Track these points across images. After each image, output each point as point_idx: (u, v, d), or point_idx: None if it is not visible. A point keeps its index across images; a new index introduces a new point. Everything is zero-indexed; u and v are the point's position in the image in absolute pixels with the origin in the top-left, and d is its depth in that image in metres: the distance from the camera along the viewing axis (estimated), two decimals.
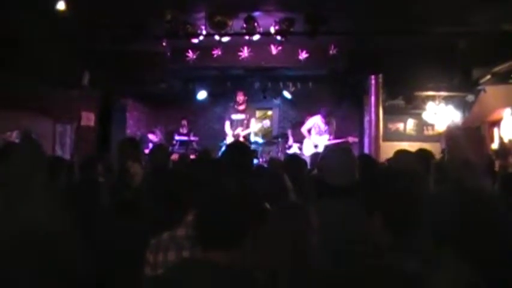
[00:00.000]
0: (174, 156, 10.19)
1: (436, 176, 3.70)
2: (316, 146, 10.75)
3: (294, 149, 11.55)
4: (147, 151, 10.84)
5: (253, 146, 11.25)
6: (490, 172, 6.15)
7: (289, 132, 12.09)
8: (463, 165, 3.50)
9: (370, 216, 2.11)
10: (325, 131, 10.86)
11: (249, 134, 11.24)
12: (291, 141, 11.79)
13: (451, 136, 11.67)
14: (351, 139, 10.94)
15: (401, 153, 4.41)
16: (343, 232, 2.44)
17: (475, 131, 11.55)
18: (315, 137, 10.87)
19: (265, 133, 13.11)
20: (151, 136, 11.84)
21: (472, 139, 11.10)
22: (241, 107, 11.20)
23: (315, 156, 10.08)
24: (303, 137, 11.24)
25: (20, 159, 2.73)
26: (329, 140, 10.78)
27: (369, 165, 3.89)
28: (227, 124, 11.26)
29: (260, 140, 12.01)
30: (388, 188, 2.15)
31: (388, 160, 4.96)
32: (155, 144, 9.81)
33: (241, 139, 10.59)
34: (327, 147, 10.01)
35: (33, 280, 2.28)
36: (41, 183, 2.67)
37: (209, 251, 1.87)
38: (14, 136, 8.48)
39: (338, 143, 10.48)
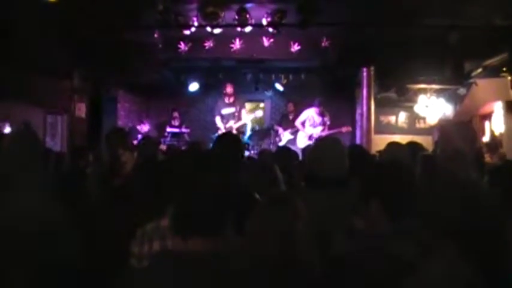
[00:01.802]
0: (163, 147, 10.22)
1: (423, 168, 3.71)
2: (310, 137, 10.76)
3: (286, 136, 11.53)
4: (136, 142, 10.87)
5: (246, 139, 11.25)
6: (479, 165, 6.17)
7: (277, 127, 12.04)
8: (454, 156, 3.50)
9: (366, 205, 2.12)
10: (319, 123, 10.87)
11: (242, 126, 11.21)
12: (280, 130, 11.77)
13: (442, 129, 11.69)
14: (344, 129, 10.96)
15: (392, 145, 4.43)
16: (331, 223, 2.44)
17: (466, 125, 11.58)
18: (309, 129, 10.88)
19: (259, 124, 13.07)
20: (140, 127, 11.78)
21: (464, 132, 11.12)
22: (231, 99, 11.15)
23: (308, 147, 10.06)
24: (293, 127, 11.28)
25: (15, 148, 2.72)
26: (323, 131, 10.79)
27: (361, 156, 3.89)
28: (218, 119, 11.22)
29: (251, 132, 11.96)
30: (386, 173, 2.17)
31: (379, 152, 4.96)
32: (144, 136, 9.80)
33: (234, 132, 10.55)
34: (318, 138, 10.05)
35: (29, 269, 2.28)
36: (36, 173, 2.67)
37: (188, 240, 1.88)
38: (4, 126, 8.42)
39: (331, 133, 10.50)
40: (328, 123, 10.92)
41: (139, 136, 11.36)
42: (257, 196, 3.08)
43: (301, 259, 2.04)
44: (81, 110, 11.05)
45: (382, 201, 2.08)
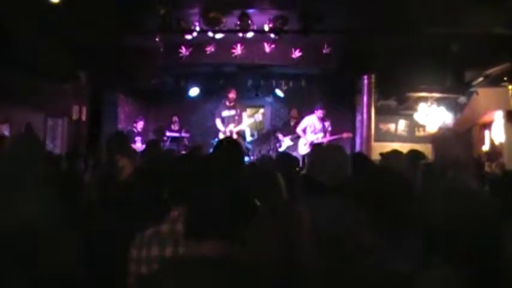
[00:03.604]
0: None
1: (424, 176, 3.70)
2: (311, 144, 10.72)
3: (286, 142, 11.51)
4: (134, 146, 10.84)
5: (247, 145, 11.21)
6: (479, 174, 6.17)
7: (278, 133, 12.03)
8: (453, 165, 3.50)
9: (358, 214, 2.10)
10: (320, 129, 10.83)
11: (243, 131, 11.17)
12: (280, 136, 11.74)
13: (440, 138, 11.70)
14: (345, 135, 10.93)
15: (392, 153, 4.41)
16: (333, 230, 2.42)
17: (464, 134, 11.59)
18: (310, 136, 10.83)
19: (258, 128, 13.04)
20: (135, 127, 11.71)
21: (461, 141, 11.14)
22: (232, 103, 11.12)
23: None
24: (294, 134, 11.26)
25: (16, 149, 2.72)
26: (324, 137, 10.76)
27: (361, 163, 3.87)
28: (218, 121, 11.18)
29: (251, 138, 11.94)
30: (377, 185, 2.14)
31: (382, 154, 4.93)
32: (149, 140, 9.76)
33: (234, 136, 10.52)
34: (319, 144, 10.03)
35: (29, 269, 2.27)
36: (37, 174, 2.66)
37: (201, 243, 1.87)
38: (4, 129, 8.40)
39: (332, 140, 10.48)
40: (329, 129, 10.87)
41: (138, 137, 11.32)
42: (257, 203, 3.07)
43: (303, 265, 2.03)
44: (81, 113, 11.04)
45: (373, 209, 2.05)
